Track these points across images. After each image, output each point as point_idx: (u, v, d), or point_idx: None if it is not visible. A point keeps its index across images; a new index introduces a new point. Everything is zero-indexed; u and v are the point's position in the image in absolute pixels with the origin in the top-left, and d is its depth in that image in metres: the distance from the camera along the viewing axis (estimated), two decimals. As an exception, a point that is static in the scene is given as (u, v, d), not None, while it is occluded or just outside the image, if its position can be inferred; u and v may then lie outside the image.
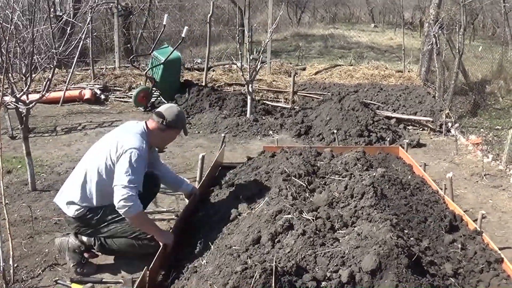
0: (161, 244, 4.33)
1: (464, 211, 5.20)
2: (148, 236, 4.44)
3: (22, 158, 6.54)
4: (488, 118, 10.78)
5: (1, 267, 4.17)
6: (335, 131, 8.34)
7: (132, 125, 4.66)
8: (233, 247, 3.98)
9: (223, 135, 7.09)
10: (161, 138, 4.74)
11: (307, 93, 11.91)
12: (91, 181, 4.39)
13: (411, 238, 4.09)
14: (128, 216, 4.22)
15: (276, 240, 3.93)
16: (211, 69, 13.74)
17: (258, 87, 12.16)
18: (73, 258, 4.49)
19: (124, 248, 4.52)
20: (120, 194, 4.13)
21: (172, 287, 3.90)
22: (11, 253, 4.28)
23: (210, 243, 4.39)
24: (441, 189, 5.62)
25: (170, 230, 4.76)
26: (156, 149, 5.11)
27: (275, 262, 3.33)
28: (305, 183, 4.99)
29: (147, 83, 10.73)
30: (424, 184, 5.70)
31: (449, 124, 9.76)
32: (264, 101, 11.36)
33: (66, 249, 4.50)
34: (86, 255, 4.56)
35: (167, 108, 4.68)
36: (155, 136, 4.63)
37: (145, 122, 4.64)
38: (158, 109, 4.73)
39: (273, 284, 3.17)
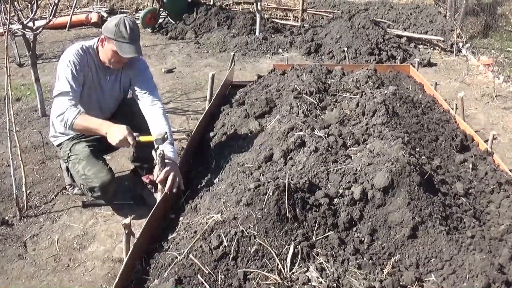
0: (113, 143, 3.70)
1: (475, 132, 5.16)
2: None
3: (31, 85, 6.50)
4: (499, 39, 10.55)
5: (14, 194, 4.21)
6: (346, 49, 8.21)
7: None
8: (246, 165, 3.98)
9: (232, 53, 6.98)
10: (102, 52, 4.05)
11: (317, 11, 11.65)
12: None
13: (423, 157, 4.07)
14: (72, 128, 3.79)
15: (288, 157, 3.92)
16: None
17: (267, 5, 11.92)
18: (67, 178, 4.53)
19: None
20: (54, 111, 3.85)
21: (186, 206, 3.91)
22: (23, 179, 4.29)
23: (222, 161, 4.38)
24: (452, 108, 5.56)
25: (181, 149, 4.74)
26: (143, 77, 4.31)
27: (288, 179, 3.33)
28: (316, 101, 4.93)
29: (154, 4, 10.52)
30: (435, 103, 5.64)
31: (460, 44, 9.59)
32: (273, 20, 11.15)
33: (63, 169, 4.54)
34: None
35: (111, 18, 3.99)
36: (100, 50, 4.07)
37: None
38: None
39: (286, 201, 3.17)
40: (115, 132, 3.67)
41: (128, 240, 3.23)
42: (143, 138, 3.75)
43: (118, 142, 3.66)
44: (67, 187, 4.58)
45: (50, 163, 5.06)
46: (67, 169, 4.39)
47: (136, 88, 4.27)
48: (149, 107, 4.17)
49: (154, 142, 3.74)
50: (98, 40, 4.06)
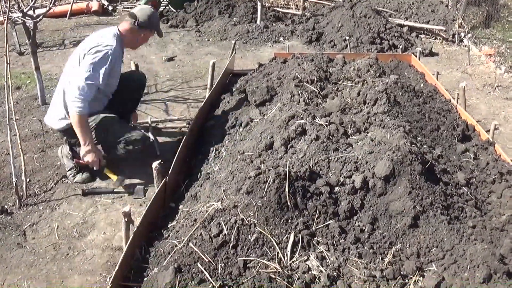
0: (84, 160, 4.31)
1: (477, 122, 5.13)
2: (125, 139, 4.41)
3: (31, 74, 6.45)
4: (501, 30, 10.48)
5: (14, 183, 4.19)
6: (347, 38, 8.16)
7: (102, 30, 4.53)
8: (246, 153, 3.96)
9: (233, 42, 6.94)
10: (133, 39, 4.57)
11: (318, 0, 11.56)
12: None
13: (424, 146, 4.05)
14: (72, 114, 4.14)
15: (289, 145, 3.90)
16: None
17: (268, -7, 11.83)
18: (67, 164, 4.55)
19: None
20: (73, 93, 4.11)
21: (186, 195, 3.90)
22: (23, 168, 4.27)
23: (222, 149, 4.37)
24: (454, 98, 5.53)
25: (177, 139, 4.75)
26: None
27: (289, 167, 3.31)
28: (317, 89, 4.90)
29: (155, -8, 10.45)
30: (436, 93, 5.61)
31: (462, 34, 9.53)
32: (275, 8, 11.08)
33: (61, 156, 4.60)
34: (75, 160, 4.53)
35: (140, 9, 4.52)
36: (127, 37, 4.51)
37: (117, 26, 4.52)
38: (131, 10, 4.59)
39: (286, 189, 3.16)
40: (89, 154, 4.28)
41: (128, 229, 3.23)
42: (107, 172, 4.54)
43: (84, 161, 4.34)
44: (67, 174, 4.57)
45: (50, 151, 5.03)
46: (67, 156, 4.53)
47: None
48: None
49: (113, 182, 4.45)
50: (128, 29, 4.47)
